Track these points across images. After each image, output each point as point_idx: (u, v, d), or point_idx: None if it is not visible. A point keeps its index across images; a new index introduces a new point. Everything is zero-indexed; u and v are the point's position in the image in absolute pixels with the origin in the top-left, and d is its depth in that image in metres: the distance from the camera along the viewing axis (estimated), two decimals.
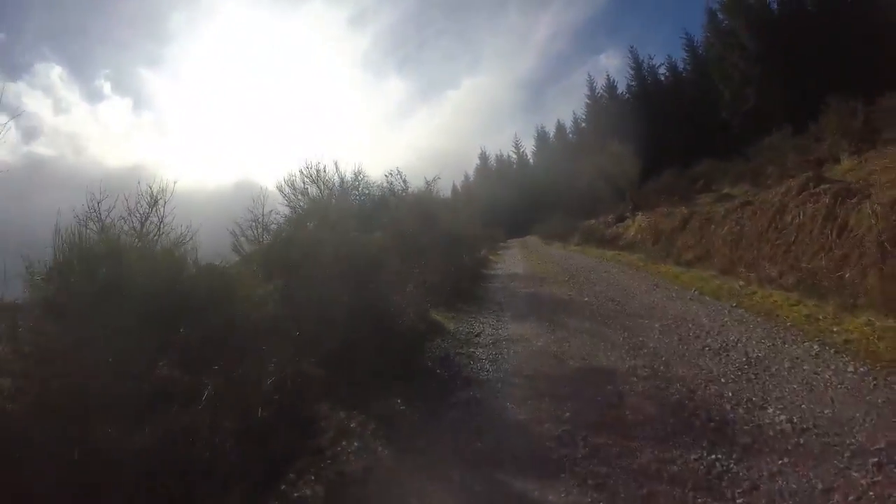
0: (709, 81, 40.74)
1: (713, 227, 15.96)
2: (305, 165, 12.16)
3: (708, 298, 10.53)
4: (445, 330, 10.15)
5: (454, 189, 77.82)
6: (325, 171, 12.27)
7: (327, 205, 11.02)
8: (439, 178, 17.49)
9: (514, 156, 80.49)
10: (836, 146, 20.81)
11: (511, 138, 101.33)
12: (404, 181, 16.61)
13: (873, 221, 8.86)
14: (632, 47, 55.36)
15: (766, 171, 22.64)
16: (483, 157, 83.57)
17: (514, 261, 25.74)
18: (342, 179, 13.43)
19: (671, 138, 39.38)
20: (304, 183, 12.02)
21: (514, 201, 64.70)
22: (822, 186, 11.26)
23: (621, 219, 29.91)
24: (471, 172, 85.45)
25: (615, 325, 9.12)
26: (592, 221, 35.06)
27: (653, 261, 16.83)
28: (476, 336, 9.65)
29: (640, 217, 26.39)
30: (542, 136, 75.03)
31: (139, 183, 6.62)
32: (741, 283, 11.16)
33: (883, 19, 30.78)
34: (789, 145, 24.47)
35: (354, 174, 14.45)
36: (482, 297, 14.10)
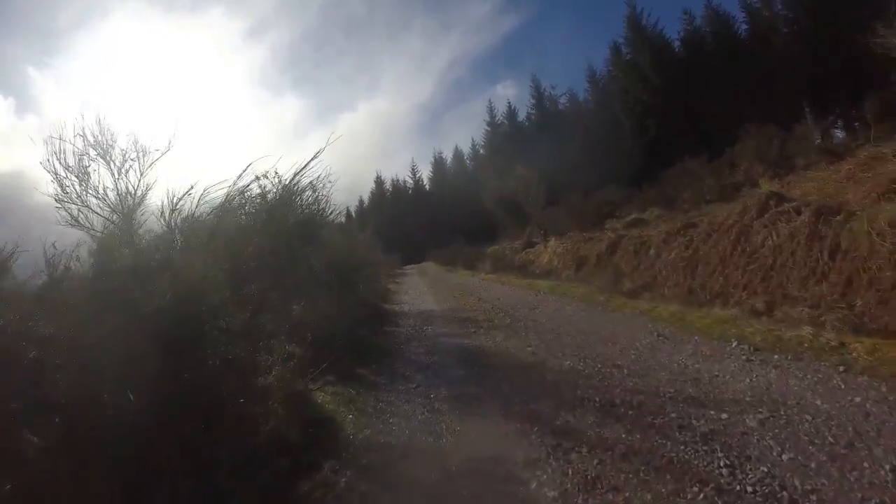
0: (610, 112, 40.47)
1: (652, 251, 13.64)
2: None
3: (765, 355, 6.28)
4: (339, 440, 5.25)
5: (349, 214, 74.36)
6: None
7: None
8: (331, 178, 12.69)
9: (411, 181, 77.76)
10: (751, 171, 20.85)
11: (408, 163, 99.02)
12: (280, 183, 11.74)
13: (879, 241, 7.63)
14: (534, 75, 56.06)
15: (681, 196, 22.01)
16: (378, 181, 79.80)
17: (418, 292, 20.94)
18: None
19: (572, 166, 36.76)
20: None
21: (410, 227, 62.47)
22: (788, 204, 9.80)
23: (530, 244, 27.32)
24: (366, 197, 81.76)
25: (684, 436, 4.40)
26: (496, 247, 31.97)
27: (597, 291, 12.80)
28: (399, 458, 4.77)
29: (553, 242, 23.27)
30: (439, 162, 72.73)
31: None
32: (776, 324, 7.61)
33: (777, 57, 32.42)
34: (705, 171, 23.94)
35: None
36: (392, 352, 9.31)
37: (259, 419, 4.86)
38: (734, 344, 6.87)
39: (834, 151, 19.69)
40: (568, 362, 7.07)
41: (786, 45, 32.96)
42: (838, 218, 8.58)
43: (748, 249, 9.89)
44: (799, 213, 9.27)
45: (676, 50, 40.06)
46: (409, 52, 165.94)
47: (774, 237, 9.39)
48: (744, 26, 37.82)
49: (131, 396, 3.88)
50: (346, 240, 13.30)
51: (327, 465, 4.61)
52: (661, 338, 7.79)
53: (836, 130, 25.22)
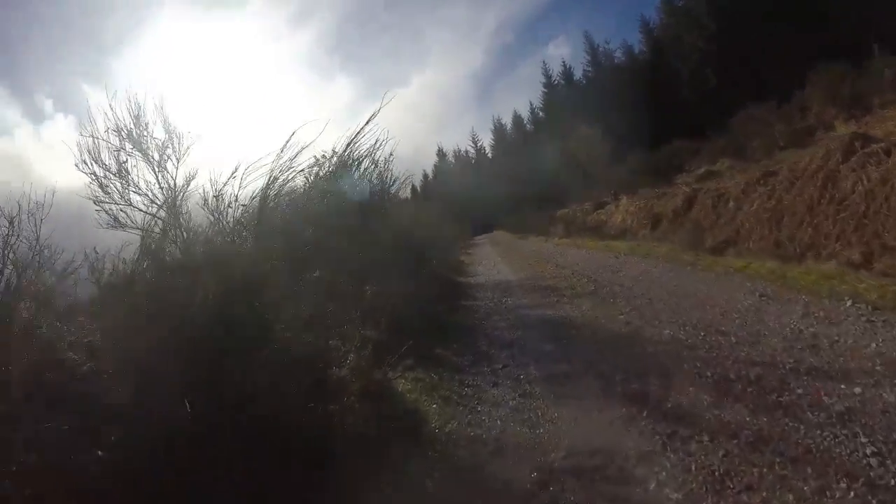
0: (667, 63, 39.01)
1: (731, 203, 12.54)
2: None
3: (888, 315, 5.50)
4: (423, 435, 4.61)
5: (413, 189, 73.89)
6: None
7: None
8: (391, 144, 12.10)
9: (472, 150, 76.69)
10: (823, 114, 19.88)
11: (467, 133, 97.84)
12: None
13: None
14: (586, 32, 52.87)
15: (751, 145, 20.92)
16: (440, 153, 79.47)
17: (492, 262, 20.11)
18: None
19: (633, 122, 35.32)
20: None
21: (476, 197, 60.76)
22: (875, 145, 8.75)
23: (601, 205, 25.77)
24: (429, 171, 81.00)
25: (818, 417, 3.69)
26: (567, 210, 30.66)
27: (680, 249, 12.10)
28: (491, 455, 4.14)
29: (624, 201, 22.11)
30: (499, 129, 70.71)
31: None
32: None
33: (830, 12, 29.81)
34: (774, 116, 22.74)
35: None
36: (473, 328, 8.66)
37: (334, 417, 4.36)
38: (848, 303, 6.07)
39: None
40: (667, 331, 6.31)
41: None
42: None
43: (837, 196, 8.87)
44: (889, 153, 8.33)
45: None
46: (453, 20, 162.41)
47: (865, 182, 8.39)
48: None
49: (187, 405, 3.43)
50: (414, 213, 12.75)
51: (413, 464, 4.05)
52: (763, 298, 7.01)
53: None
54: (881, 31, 25.78)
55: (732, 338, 5.61)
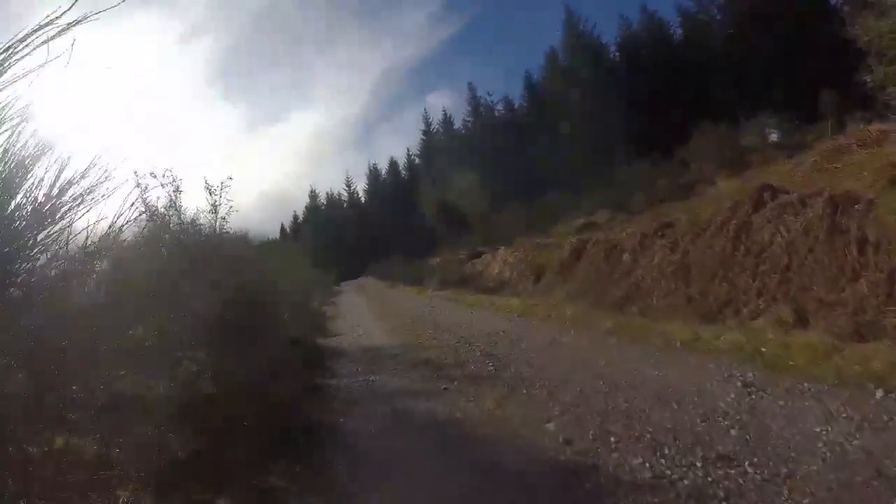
0: (547, 118, 38.78)
1: (626, 256, 11.34)
2: None
3: None
4: None
5: (283, 230, 70.64)
6: None
7: None
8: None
9: (346, 194, 73.81)
10: (704, 169, 20.60)
11: (342, 175, 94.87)
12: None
13: None
14: (469, 83, 53.19)
15: (632, 198, 21.32)
16: (313, 195, 75.16)
17: (359, 316, 16.97)
18: None
19: (510, 173, 36.07)
20: None
21: (346, 242, 59.53)
22: (787, 196, 8.46)
23: (476, 255, 24.01)
24: (300, 211, 77.42)
25: None
26: (439, 259, 28.58)
27: (583, 309, 10.14)
28: None
29: (502, 251, 20.39)
30: (374, 174, 68.86)
31: None
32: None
33: (713, 61, 31.96)
34: (655, 171, 23.49)
35: None
36: (327, 432, 5.71)
37: None
38: (878, 394, 4.33)
39: (785, 146, 19.91)
40: (637, 459, 3.81)
41: (721, 49, 32.40)
42: (858, 207, 7.27)
43: (754, 249, 8.14)
44: (804, 204, 7.90)
45: (613, 55, 39.56)
46: (342, 62, 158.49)
47: (784, 233, 7.79)
48: (679, 31, 37.69)
49: None
50: (261, 259, 9.63)
51: None
52: (748, 389, 4.94)
53: (770, 130, 24.16)
54: (756, 92, 27.03)
55: (749, 468, 3.43)
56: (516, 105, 47.21)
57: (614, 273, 11.24)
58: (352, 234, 60.95)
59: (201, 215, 8.60)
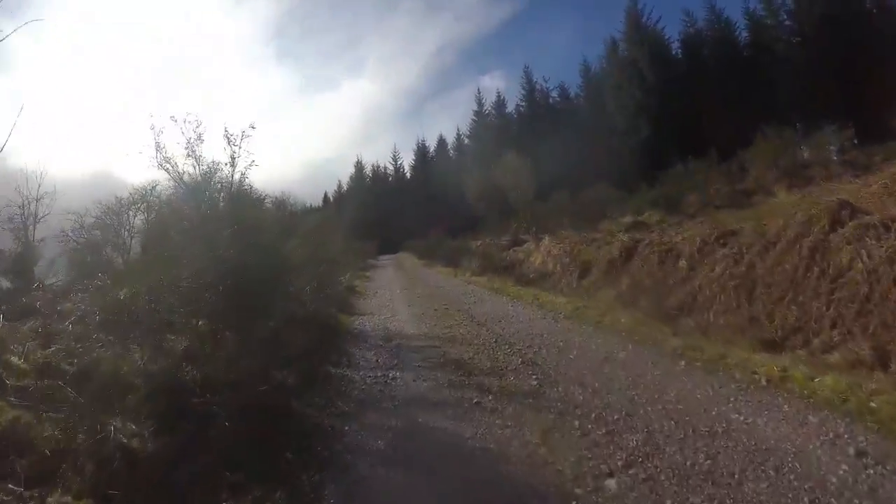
0: (602, 109, 38.12)
1: (683, 262, 9.99)
2: None
3: None
4: None
5: (325, 199, 70.10)
6: None
7: None
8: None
9: (392, 168, 72.46)
10: (763, 178, 19.13)
11: (390, 149, 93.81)
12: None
13: None
14: (526, 66, 51.65)
15: (685, 200, 19.82)
16: (359, 166, 73.65)
17: (390, 295, 15.77)
18: None
19: (560, 162, 34.02)
20: None
21: (389, 215, 58.30)
22: (868, 218, 7.19)
23: (518, 242, 22.37)
24: (345, 181, 76.21)
25: None
26: (479, 242, 27.12)
27: (642, 319, 8.57)
28: None
29: (546, 241, 18.73)
30: (421, 150, 67.22)
31: None
32: None
33: (779, 66, 30.80)
34: (713, 174, 21.87)
35: None
36: (323, 441, 4.63)
37: None
38: None
39: (850, 163, 18.05)
40: None
41: (788, 56, 31.29)
42: None
43: (830, 272, 6.97)
44: (889, 229, 6.84)
45: (675, 51, 38.20)
46: (396, 33, 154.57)
47: (866, 258, 6.68)
48: (744, 33, 36.24)
49: None
50: (273, 225, 8.41)
51: None
52: (863, 460, 3.68)
53: (832, 146, 22.08)
54: (821, 103, 25.27)
55: None
56: (572, 94, 45.88)
57: (668, 280, 9.96)
58: (394, 208, 59.67)
59: (220, 168, 7.51)
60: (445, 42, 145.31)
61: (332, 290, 11.77)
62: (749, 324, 7.25)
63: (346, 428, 4.90)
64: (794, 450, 3.81)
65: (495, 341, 7.90)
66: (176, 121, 7.58)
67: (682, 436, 4.17)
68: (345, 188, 74.31)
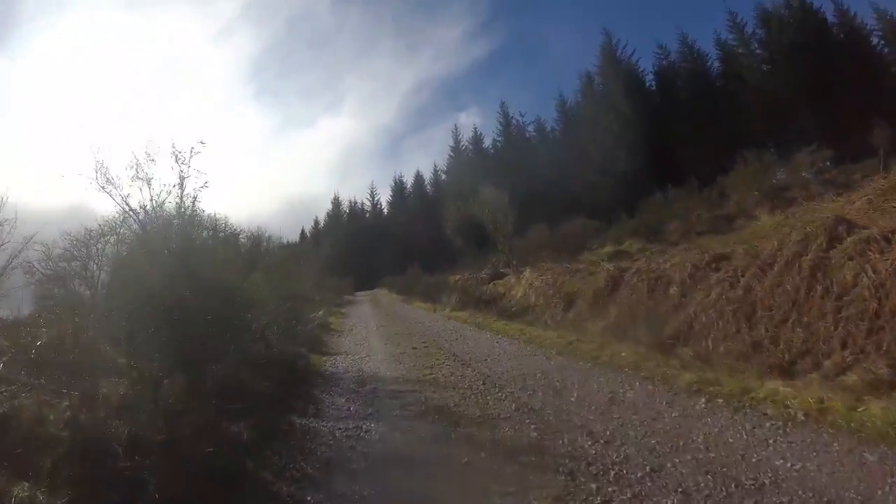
0: (578, 142, 37.94)
1: (674, 289, 9.51)
2: None
3: None
4: None
5: (303, 234, 69.33)
6: None
7: None
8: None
9: (369, 204, 71.74)
10: (744, 202, 18.97)
11: (367, 185, 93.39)
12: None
13: None
14: (502, 102, 51.52)
15: (666, 228, 19.71)
16: (336, 202, 72.94)
17: (366, 332, 14.75)
18: None
19: (537, 195, 34.33)
20: None
21: (366, 251, 57.26)
22: (867, 231, 6.83)
23: (497, 275, 21.77)
24: (322, 217, 75.12)
25: None
26: (458, 277, 26.37)
27: (642, 352, 7.81)
28: None
29: (528, 274, 17.99)
30: (398, 186, 66.55)
31: None
32: None
33: (751, 94, 31.08)
34: (693, 201, 21.92)
35: None
36: None
37: None
38: None
39: (835, 182, 17.81)
40: None
41: (760, 84, 31.55)
42: None
43: (834, 290, 6.60)
44: (889, 241, 6.55)
45: (649, 84, 38.58)
46: (374, 72, 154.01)
47: (871, 273, 6.33)
48: (716, 63, 36.87)
49: None
50: (240, 258, 7.46)
51: None
52: None
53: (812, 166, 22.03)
54: (793, 127, 25.48)
55: None
56: (548, 128, 45.75)
57: (660, 308, 9.32)
58: (371, 244, 58.83)
59: (170, 190, 6.56)
60: (423, 80, 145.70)
61: (302, 328, 10.78)
62: (752, 350, 6.67)
63: (308, 498, 3.92)
64: (860, 499, 3.07)
65: (483, 384, 6.91)
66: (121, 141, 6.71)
67: (724, 494, 3.31)
68: (322, 224, 73.28)
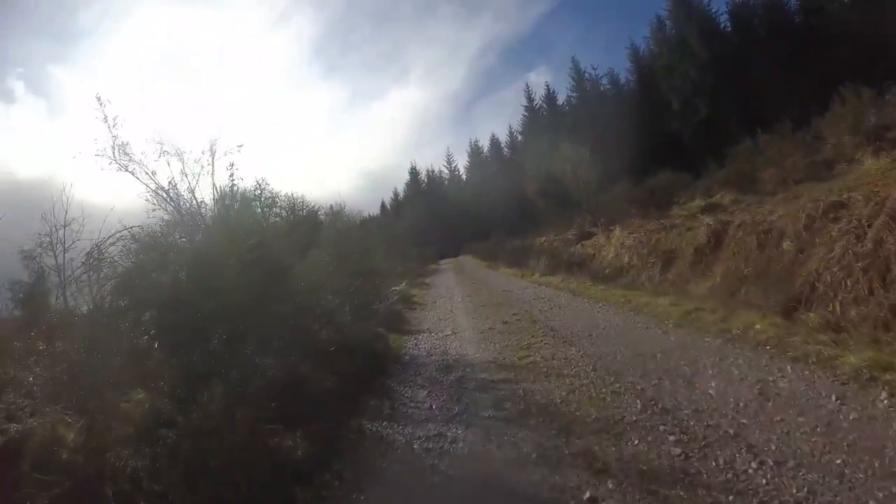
0: (654, 92, 35.33)
1: (788, 244, 8.07)
2: None
3: None
4: None
5: (383, 207, 69.63)
6: None
7: None
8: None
9: (446, 171, 70.56)
10: (842, 145, 16.54)
11: (442, 153, 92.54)
12: None
13: None
14: (573, 57, 49.07)
15: (760, 176, 17.31)
16: (413, 172, 71.97)
17: (450, 305, 13.39)
18: None
19: (618, 151, 31.24)
20: None
21: (447, 219, 56.75)
22: None
23: (586, 236, 20.17)
24: (401, 188, 74.52)
25: None
26: (543, 239, 25.07)
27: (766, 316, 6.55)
28: None
29: (617, 233, 16.52)
30: (475, 151, 64.81)
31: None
32: None
33: (830, 42, 27.43)
34: (791, 144, 19.20)
35: None
36: None
37: None
38: None
39: None
40: None
41: (844, 17, 27.72)
42: None
43: None
44: None
45: (723, 25, 34.88)
46: (437, 39, 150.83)
47: None
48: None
49: None
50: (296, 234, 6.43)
51: None
52: None
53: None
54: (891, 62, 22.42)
55: None
56: (623, 79, 42.70)
57: (773, 266, 8.02)
58: (452, 211, 57.89)
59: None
60: (487, 42, 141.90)
61: (381, 304, 9.76)
62: (893, 316, 5.36)
63: None
64: None
65: (593, 369, 5.51)
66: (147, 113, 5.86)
67: None
68: (401, 196, 72.69)
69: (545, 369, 5.87)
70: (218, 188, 6.01)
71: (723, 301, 7.94)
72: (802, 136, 19.83)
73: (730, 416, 3.87)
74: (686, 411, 4.08)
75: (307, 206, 9.25)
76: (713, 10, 34.81)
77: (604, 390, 4.84)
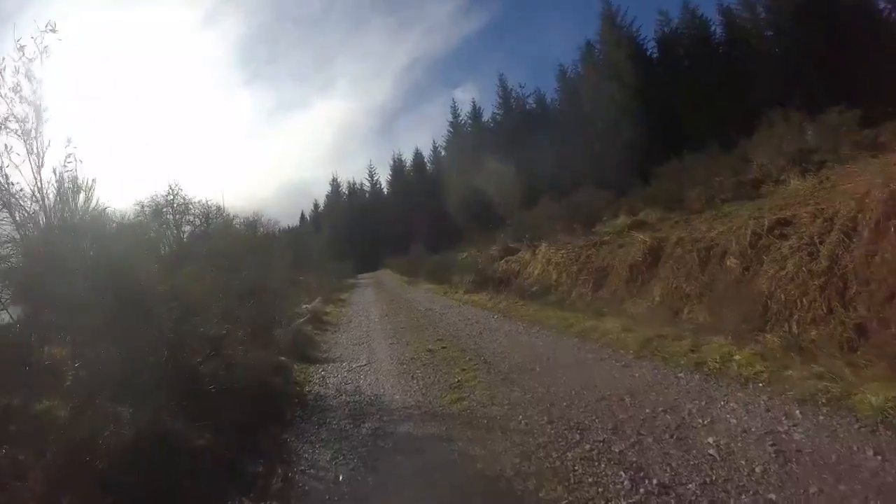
0: (580, 113, 35.48)
1: (732, 262, 7.68)
2: None
3: None
4: None
5: (302, 218, 67.83)
6: None
7: None
8: None
9: (368, 184, 68.95)
10: (769, 166, 16.39)
11: (365, 166, 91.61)
12: None
13: None
14: (501, 74, 49.27)
15: (687, 195, 16.83)
16: (334, 184, 70.32)
17: (368, 326, 11.91)
18: None
19: (542, 168, 32.27)
20: None
21: (366, 232, 55.78)
22: None
23: (509, 251, 19.52)
24: (321, 200, 72.89)
25: None
26: (465, 255, 24.21)
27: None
28: None
29: (544, 249, 15.90)
30: (398, 165, 63.52)
31: None
32: None
33: (757, 60, 29.01)
34: (718, 164, 18.65)
35: None
36: None
37: None
38: None
39: (861, 145, 15.04)
40: None
41: (766, 49, 29.85)
42: None
43: None
44: None
45: (650, 52, 36.11)
46: (366, 50, 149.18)
47: None
48: (719, 29, 34.38)
49: None
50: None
51: None
52: None
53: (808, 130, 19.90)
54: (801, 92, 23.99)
55: None
56: (549, 99, 42.94)
57: (717, 285, 7.75)
58: (373, 225, 56.92)
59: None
60: (416, 57, 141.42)
61: (285, 328, 8.20)
62: (857, 334, 5.14)
63: None
64: None
65: (549, 421, 4.20)
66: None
67: None
68: (321, 207, 70.98)
69: (485, 420, 4.50)
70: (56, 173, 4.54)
71: (666, 321, 7.49)
72: (728, 158, 20.20)
73: (751, 491, 2.78)
74: (690, 486, 2.92)
75: (223, 213, 7.76)
76: (641, 37, 35.96)
77: (569, 455, 3.53)
